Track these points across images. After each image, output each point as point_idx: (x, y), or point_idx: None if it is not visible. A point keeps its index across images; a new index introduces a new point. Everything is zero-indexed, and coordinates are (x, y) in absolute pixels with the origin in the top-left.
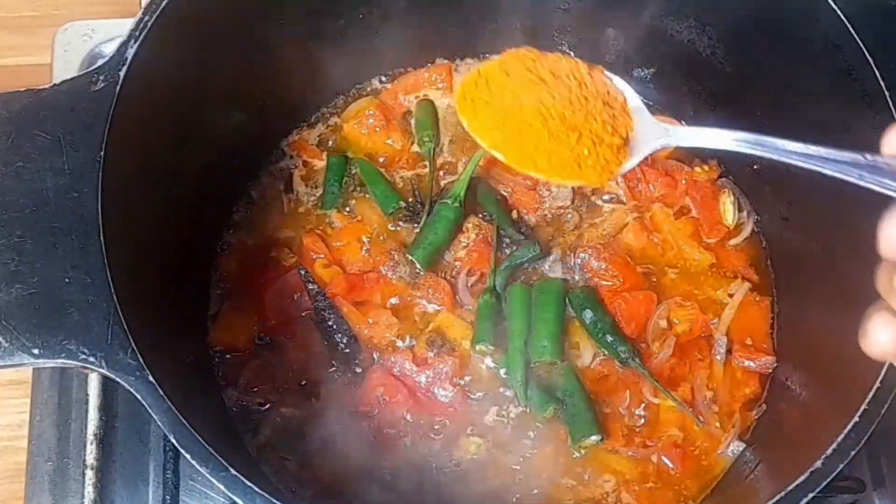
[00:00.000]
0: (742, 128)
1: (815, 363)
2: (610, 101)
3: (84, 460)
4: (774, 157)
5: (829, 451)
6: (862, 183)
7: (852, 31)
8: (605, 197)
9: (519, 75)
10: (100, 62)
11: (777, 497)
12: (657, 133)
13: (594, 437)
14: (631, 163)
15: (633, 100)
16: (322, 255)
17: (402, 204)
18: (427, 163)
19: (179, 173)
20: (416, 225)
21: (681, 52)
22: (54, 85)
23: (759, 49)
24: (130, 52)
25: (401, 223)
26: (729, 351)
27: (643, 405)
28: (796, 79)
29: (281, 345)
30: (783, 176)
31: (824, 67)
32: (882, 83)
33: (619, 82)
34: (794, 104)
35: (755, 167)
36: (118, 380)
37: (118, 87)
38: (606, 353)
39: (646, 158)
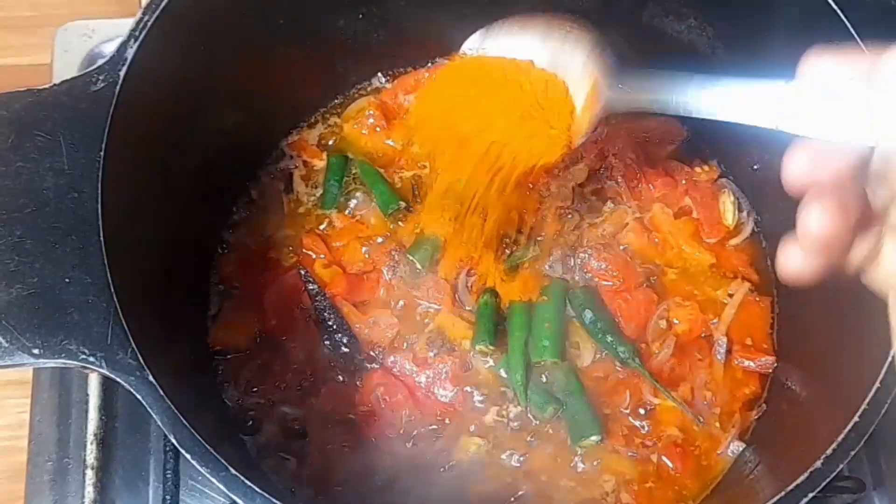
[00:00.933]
0: (742, 128)
1: (815, 363)
2: (550, 94)
3: (84, 460)
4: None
5: (829, 451)
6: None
7: (853, 32)
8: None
9: (454, 91)
10: (100, 62)
11: (777, 497)
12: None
13: (594, 438)
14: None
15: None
16: (322, 255)
17: (402, 204)
18: (426, 163)
19: (179, 173)
20: (415, 225)
21: (681, 52)
22: (54, 85)
23: (760, 49)
24: (130, 52)
25: (400, 223)
26: (729, 351)
27: (643, 405)
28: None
29: (281, 345)
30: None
31: None
32: None
33: (576, 62)
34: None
35: (755, 167)
36: (118, 380)
37: (118, 87)
38: (606, 353)
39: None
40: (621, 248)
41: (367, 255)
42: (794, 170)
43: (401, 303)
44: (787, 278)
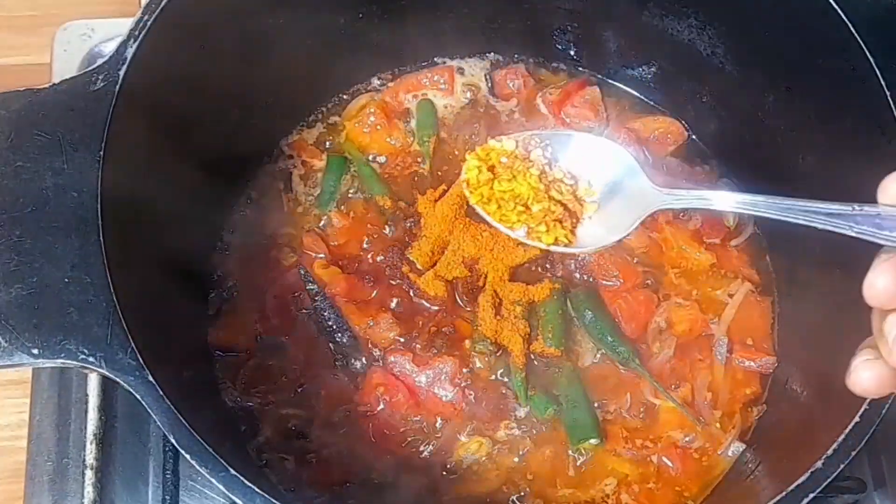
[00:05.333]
0: (742, 128)
1: (815, 363)
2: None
3: (84, 460)
4: (774, 216)
5: (829, 452)
6: (852, 233)
7: (853, 31)
8: None
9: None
10: (99, 61)
11: (778, 497)
12: (651, 199)
13: (593, 441)
14: (620, 235)
15: (628, 160)
16: (321, 255)
17: (402, 204)
18: (427, 162)
19: (179, 172)
20: (414, 225)
21: (681, 51)
22: (54, 84)
23: (760, 48)
24: (130, 52)
25: (399, 223)
26: (729, 351)
27: (643, 406)
28: (797, 78)
29: (281, 345)
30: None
31: (825, 66)
32: (883, 82)
33: (620, 155)
34: (795, 103)
35: (755, 167)
36: (118, 380)
37: (118, 87)
38: (607, 353)
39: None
40: (621, 248)
41: (366, 255)
42: (881, 288)
43: (400, 303)
44: (865, 391)
